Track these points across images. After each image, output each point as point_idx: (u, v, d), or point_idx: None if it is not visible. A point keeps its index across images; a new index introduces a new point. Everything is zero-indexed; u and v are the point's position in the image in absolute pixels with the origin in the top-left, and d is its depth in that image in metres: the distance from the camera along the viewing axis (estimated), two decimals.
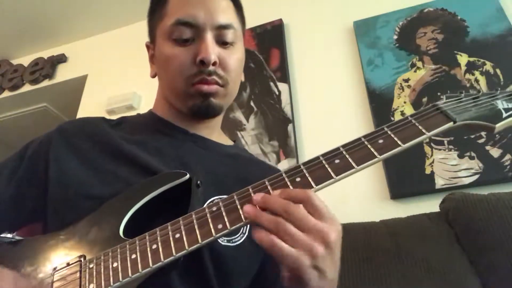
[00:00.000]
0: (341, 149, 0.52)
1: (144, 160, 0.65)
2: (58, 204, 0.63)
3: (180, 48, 0.68)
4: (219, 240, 0.61)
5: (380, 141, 0.52)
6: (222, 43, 0.70)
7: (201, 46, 0.67)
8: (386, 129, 0.53)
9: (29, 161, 0.68)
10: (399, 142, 0.51)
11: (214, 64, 0.67)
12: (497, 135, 1.37)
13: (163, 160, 0.67)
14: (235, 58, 0.72)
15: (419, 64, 1.64)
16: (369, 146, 0.51)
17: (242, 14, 0.78)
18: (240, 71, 0.75)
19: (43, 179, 0.66)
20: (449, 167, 1.39)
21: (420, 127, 0.52)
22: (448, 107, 0.54)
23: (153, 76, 0.78)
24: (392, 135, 0.52)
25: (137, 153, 0.67)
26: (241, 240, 0.63)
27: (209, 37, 0.68)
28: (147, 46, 0.80)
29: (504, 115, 0.53)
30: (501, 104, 0.55)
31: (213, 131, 0.79)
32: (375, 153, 0.50)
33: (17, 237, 0.65)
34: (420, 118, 0.53)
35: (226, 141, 0.83)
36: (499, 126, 0.53)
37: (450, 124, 0.52)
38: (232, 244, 0.62)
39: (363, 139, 0.52)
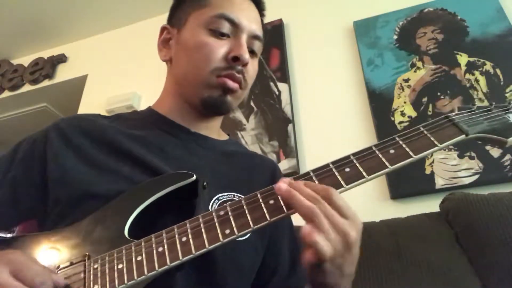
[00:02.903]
0: (352, 157, 0.51)
1: (147, 159, 0.65)
2: (61, 203, 0.62)
3: (215, 39, 0.71)
4: None
5: (392, 151, 0.51)
6: (250, 51, 0.74)
7: (238, 44, 0.70)
8: (397, 139, 0.52)
9: (22, 160, 0.67)
10: (411, 153, 0.50)
11: (245, 65, 0.70)
12: None
13: (166, 160, 0.67)
14: (255, 68, 0.77)
15: (419, 64, 1.64)
16: (380, 155, 0.51)
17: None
18: (253, 81, 0.78)
19: (41, 178, 0.65)
20: (449, 167, 1.39)
21: (432, 138, 0.51)
22: (461, 119, 0.54)
23: (166, 60, 0.79)
24: (404, 146, 0.51)
25: (140, 151, 0.66)
26: (248, 234, 0.64)
27: (245, 40, 0.72)
28: (164, 29, 0.80)
29: None
30: None
31: (213, 131, 0.80)
32: (386, 163, 0.50)
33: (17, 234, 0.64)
34: (432, 129, 0.53)
35: (223, 137, 0.84)
36: (511, 140, 0.52)
37: (463, 136, 0.52)
38: (242, 238, 0.62)
39: (374, 148, 0.52)
